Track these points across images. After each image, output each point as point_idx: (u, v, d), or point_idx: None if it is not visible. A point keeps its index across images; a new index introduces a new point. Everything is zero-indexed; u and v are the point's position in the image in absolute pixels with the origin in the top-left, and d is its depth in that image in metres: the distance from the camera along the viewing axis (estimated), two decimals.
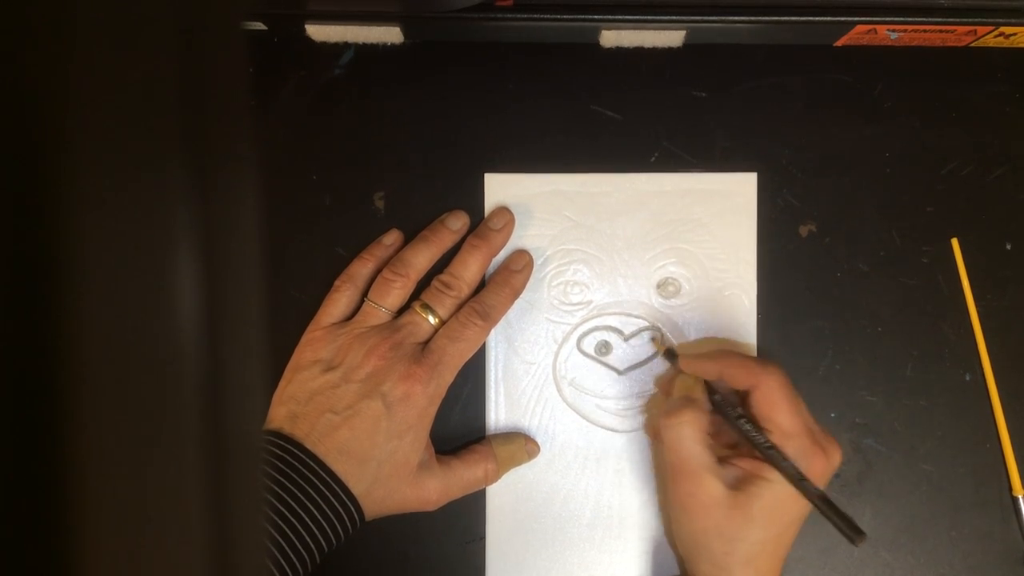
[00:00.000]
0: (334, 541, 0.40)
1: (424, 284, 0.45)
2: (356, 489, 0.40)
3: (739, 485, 0.39)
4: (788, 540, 0.40)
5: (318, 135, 0.47)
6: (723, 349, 0.45)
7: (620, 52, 0.48)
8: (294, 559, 0.38)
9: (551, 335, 0.47)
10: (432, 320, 0.43)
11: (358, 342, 0.42)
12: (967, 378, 0.47)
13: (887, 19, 0.44)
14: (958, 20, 0.44)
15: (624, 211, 0.47)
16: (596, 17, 0.44)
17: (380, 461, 0.41)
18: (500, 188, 0.47)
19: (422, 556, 0.46)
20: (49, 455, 0.12)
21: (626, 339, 0.47)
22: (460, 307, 0.44)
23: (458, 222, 0.46)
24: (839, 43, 0.47)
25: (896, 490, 0.47)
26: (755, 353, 0.47)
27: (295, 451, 0.40)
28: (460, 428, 0.47)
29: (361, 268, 0.45)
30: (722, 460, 0.40)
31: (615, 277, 0.47)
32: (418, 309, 0.43)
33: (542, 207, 0.47)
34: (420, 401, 0.41)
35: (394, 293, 0.44)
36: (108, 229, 0.13)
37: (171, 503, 0.14)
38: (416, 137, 0.48)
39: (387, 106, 0.48)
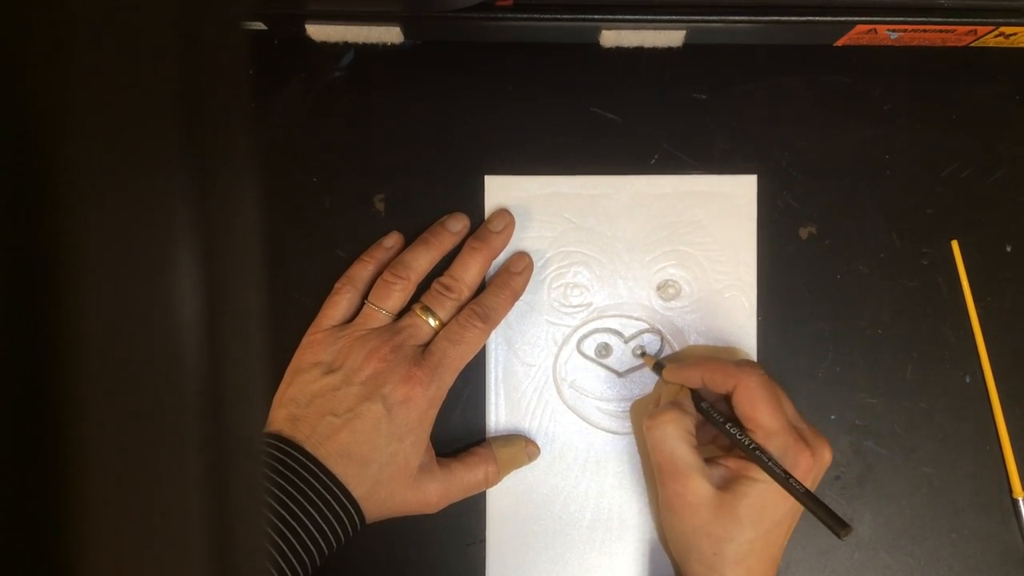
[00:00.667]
0: (334, 544, 0.40)
1: (424, 286, 0.45)
2: (357, 492, 0.40)
3: (726, 485, 0.39)
4: (779, 539, 0.40)
5: (318, 137, 0.47)
6: (704, 356, 0.45)
7: (620, 53, 0.48)
8: (294, 562, 0.38)
9: (551, 337, 0.47)
10: (432, 322, 0.43)
11: (358, 344, 0.42)
12: (967, 380, 0.47)
13: (887, 19, 0.44)
14: (958, 20, 0.44)
15: (624, 213, 0.47)
16: (596, 17, 0.44)
17: (381, 464, 0.41)
18: (500, 190, 0.47)
19: (422, 558, 0.46)
20: (49, 459, 0.12)
21: (626, 341, 0.47)
22: (460, 309, 0.44)
23: (458, 224, 0.46)
24: (839, 43, 0.47)
25: (896, 492, 0.47)
26: (755, 356, 0.47)
27: (295, 454, 0.40)
28: (460, 430, 0.47)
29: (361, 270, 0.45)
30: (709, 460, 0.40)
31: (615, 279, 0.47)
32: (418, 311, 0.43)
33: (542, 209, 0.47)
34: (420, 404, 0.41)
35: (394, 295, 0.44)
36: (108, 231, 0.13)
37: (171, 505, 0.14)
38: (416, 139, 0.48)
39: (387, 108, 0.48)
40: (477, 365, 0.46)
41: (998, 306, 0.48)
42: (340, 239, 0.47)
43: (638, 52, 0.48)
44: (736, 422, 0.40)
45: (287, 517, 0.38)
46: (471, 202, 0.47)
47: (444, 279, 0.44)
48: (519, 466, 0.46)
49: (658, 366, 0.45)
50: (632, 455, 0.47)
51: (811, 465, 0.38)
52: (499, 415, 0.47)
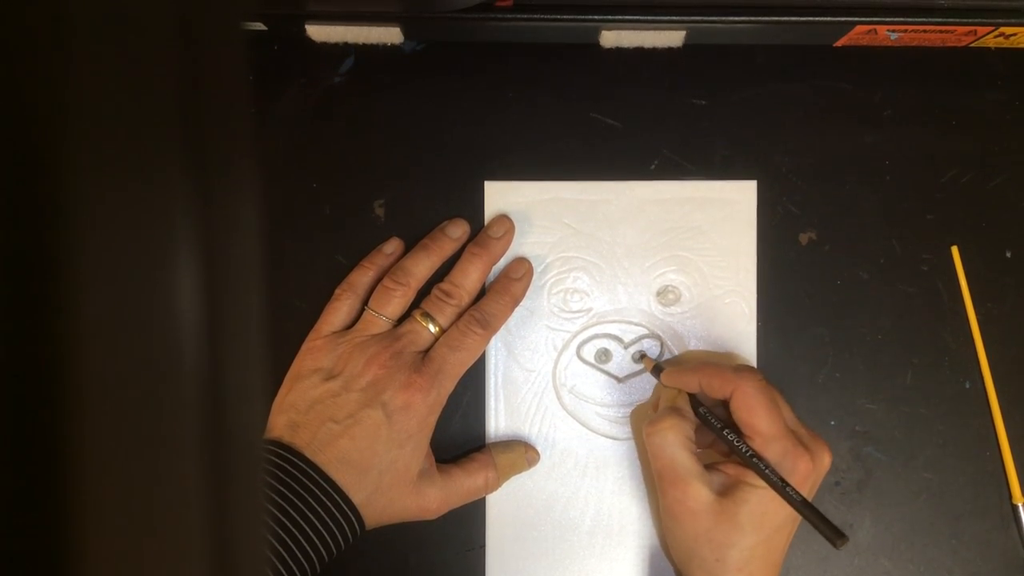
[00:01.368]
0: (334, 550, 0.40)
1: (424, 292, 0.45)
2: (356, 498, 0.40)
3: (726, 491, 0.39)
4: (780, 545, 0.40)
5: (318, 143, 0.47)
6: (702, 361, 0.45)
7: (620, 57, 0.48)
8: (294, 568, 0.38)
9: (551, 343, 0.47)
10: (432, 329, 0.43)
11: (358, 351, 0.42)
12: (967, 386, 0.47)
13: (887, 19, 0.43)
14: (958, 20, 0.43)
15: (624, 219, 0.47)
16: (596, 17, 0.44)
17: (381, 470, 0.41)
18: (500, 196, 0.47)
19: (422, 564, 0.46)
20: (48, 463, 0.12)
21: (626, 347, 0.47)
22: (460, 315, 0.44)
23: (458, 230, 0.46)
24: (839, 43, 0.47)
25: (896, 498, 0.47)
26: (755, 361, 0.47)
27: (295, 460, 0.40)
28: (460, 436, 0.47)
29: (361, 276, 0.45)
30: (710, 466, 0.40)
31: (615, 285, 0.47)
32: (418, 318, 0.43)
33: (542, 215, 0.47)
34: (420, 410, 0.41)
35: (394, 302, 0.44)
36: (109, 235, 0.13)
37: (171, 512, 0.14)
38: (416, 145, 0.48)
39: (387, 114, 0.48)
40: (477, 371, 0.46)
41: (998, 312, 0.48)
42: (340, 245, 0.47)
43: (638, 57, 0.48)
44: (734, 427, 0.40)
45: (287, 524, 0.38)
46: (471, 207, 0.47)
47: (444, 285, 0.44)
48: (519, 472, 0.46)
49: (656, 369, 0.45)
50: (632, 461, 0.47)
51: (810, 470, 0.38)
52: (499, 420, 0.47)
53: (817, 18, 0.44)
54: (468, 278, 0.44)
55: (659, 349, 0.47)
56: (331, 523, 0.39)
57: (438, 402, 0.42)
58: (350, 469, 0.40)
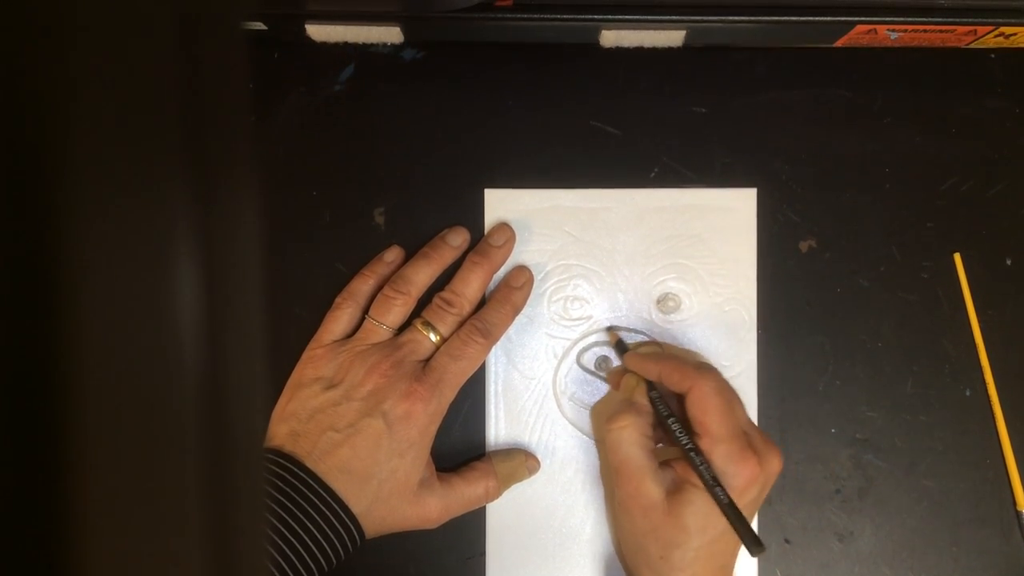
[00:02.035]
0: (334, 560, 0.40)
1: (425, 301, 0.45)
2: (356, 508, 0.40)
3: (674, 491, 0.40)
4: (728, 547, 0.40)
5: (318, 151, 0.47)
6: (666, 352, 0.45)
7: (620, 66, 0.48)
8: None
9: (551, 350, 0.47)
10: (433, 337, 0.43)
11: (359, 360, 0.42)
12: (968, 393, 0.47)
13: (887, 19, 0.43)
14: (958, 20, 0.43)
15: (624, 226, 0.47)
16: (596, 17, 0.44)
17: (381, 479, 0.41)
18: (500, 203, 0.47)
19: (422, 573, 0.46)
20: (48, 466, 0.12)
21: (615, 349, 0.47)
22: (461, 324, 0.44)
23: (459, 238, 0.46)
24: (839, 43, 0.46)
25: (897, 505, 0.47)
26: (755, 370, 0.47)
27: (296, 470, 0.40)
28: (460, 444, 0.47)
29: (362, 285, 0.45)
30: (664, 464, 0.41)
31: (615, 292, 0.47)
32: (419, 326, 0.43)
33: (542, 222, 0.47)
34: (421, 419, 0.41)
35: (395, 310, 0.44)
36: (109, 244, 0.13)
37: (171, 520, 0.14)
38: (416, 153, 0.48)
39: (387, 122, 0.48)
40: (477, 378, 0.46)
41: (999, 319, 0.48)
42: (340, 253, 0.47)
43: (638, 64, 0.48)
44: (679, 419, 0.40)
45: (287, 533, 0.38)
46: (471, 215, 0.47)
47: (445, 294, 0.44)
48: (519, 480, 0.46)
49: (620, 346, 0.45)
50: None
51: (756, 474, 0.38)
52: (499, 428, 0.47)
53: (817, 18, 0.44)
54: (469, 287, 0.44)
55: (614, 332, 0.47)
56: (331, 533, 0.39)
57: (439, 411, 0.42)
58: (350, 478, 0.40)
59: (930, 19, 0.43)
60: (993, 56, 0.49)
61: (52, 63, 0.12)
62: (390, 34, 0.46)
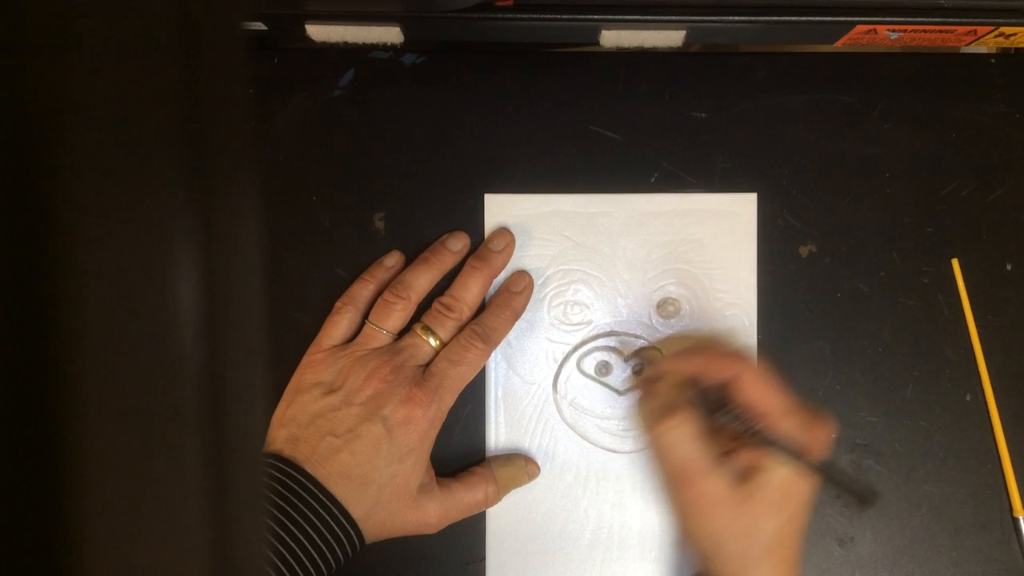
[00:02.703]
0: (334, 565, 0.40)
1: (425, 306, 0.45)
2: (356, 513, 0.40)
3: (742, 479, 0.39)
4: (800, 525, 0.40)
5: (318, 156, 0.48)
6: (698, 346, 0.45)
7: (620, 70, 0.48)
8: None
9: (551, 355, 0.47)
10: (433, 342, 0.43)
11: (359, 365, 0.42)
12: (967, 399, 0.47)
13: (887, 19, 0.43)
14: (958, 20, 0.43)
15: (624, 231, 0.47)
16: (596, 17, 0.44)
17: (381, 484, 0.41)
18: (500, 208, 0.47)
19: None
20: (49, 473, 0.12)
21: (626, 359, 0.47)
22: (461, 329, 0.44)
23: (459, 243, 0.46)
24: (839, 44, 0.46)
25: (897, 510, 0.47)
26: None
27: (295, 475, 0.40)
28: (460, 449, 0.47)
29: (362, 290, 0.45)
30: (721, 456, 0.40)
31: (615, 297, 0.47)
32: (419, 331, 0.43)
33: (542, 227, 0.47)
34: (421, 424, 0.41)
35: (395, 315, 0.44)
36: (110, 247, 0.13)
37: (171, 525, 0.14)
38: (416, 158, 0.48)
39: (387, 127, 0.48)
40: (477, 383, 0.46)
41: (999, 324, 0.48)
42: (340, 258, 0.47)
43: (638, 68, 0.48)
44: (734, 406, 0.40)
45: (286, 538, 0.38)
46: (471, 220, 0.47)
47: (445, 299, 0.44)
48: (519, 485, 0.46)
49: (638, 363, 0.45)
50: (632, 473, 0.47)
51: (830, 435, 0.40)
52: (499, 433, 0.47)
53: (817, 18, 0.43)
54: (469, 292, 0.44)
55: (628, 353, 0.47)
56: (330, 538, 0.39)
57: (438, 416, 0.42)
58: (350, 483, 0.40)
59: (930, 19, 0.43)
60: (993, 61, 0.49)
61: (54, 67, 0.12)
62: (390, 34, 0.46)
